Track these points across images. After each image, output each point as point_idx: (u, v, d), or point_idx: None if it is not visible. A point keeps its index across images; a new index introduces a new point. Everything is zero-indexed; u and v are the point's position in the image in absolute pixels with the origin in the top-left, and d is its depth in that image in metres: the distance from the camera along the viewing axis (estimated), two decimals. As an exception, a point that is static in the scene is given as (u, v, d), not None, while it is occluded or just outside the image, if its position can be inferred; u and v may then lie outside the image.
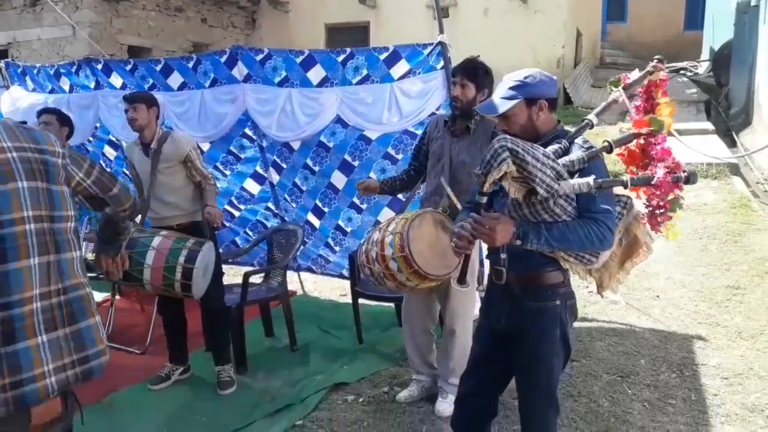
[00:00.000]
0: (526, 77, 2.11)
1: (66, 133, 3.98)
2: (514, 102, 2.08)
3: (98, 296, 4.64)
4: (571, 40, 13.65)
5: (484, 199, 1.99)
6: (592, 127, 2.17)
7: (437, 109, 3.90)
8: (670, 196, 2.14)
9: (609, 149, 2.10)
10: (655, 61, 2.25)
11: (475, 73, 3.08)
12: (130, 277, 3.30)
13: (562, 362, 2.22)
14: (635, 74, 2.25)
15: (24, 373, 1.57)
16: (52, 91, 5.46)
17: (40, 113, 4.03)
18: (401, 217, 2.98)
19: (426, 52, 3.85)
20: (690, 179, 2.08)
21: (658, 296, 4.83)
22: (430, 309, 3.38)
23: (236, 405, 3.45)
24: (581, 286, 5.02)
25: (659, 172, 2.07)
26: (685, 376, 3.58)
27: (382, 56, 3.97)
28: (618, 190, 2.14)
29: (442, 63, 3.82)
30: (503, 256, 2.09)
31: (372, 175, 4.34)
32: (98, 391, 3.39)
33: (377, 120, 4.09)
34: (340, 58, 4.08)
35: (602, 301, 4.76)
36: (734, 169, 7.98)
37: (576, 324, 4.27)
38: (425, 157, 3.31)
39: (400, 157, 4.21)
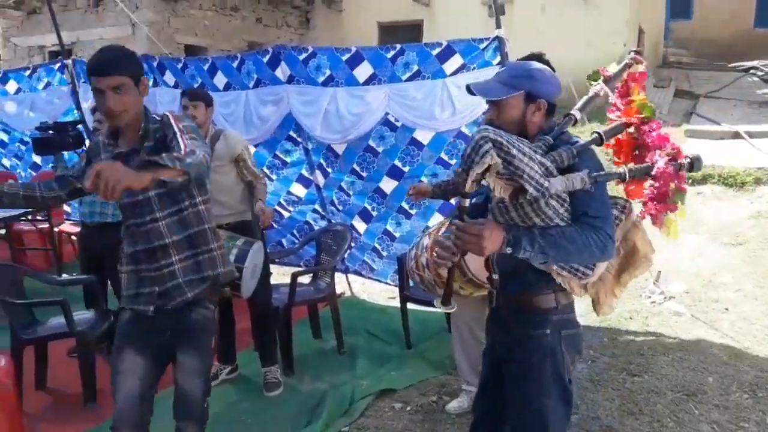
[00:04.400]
0: (533, 69, 1.89)
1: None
2: (513, 92, 1.85)
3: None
4: (632, 37, 13.17)
5: (467, 202, 1.73)
6: (575, 122, 1.97)
7: (493, 107, 3.75)
8: (671, 186, 1.96)
9: (599, 141, 1.89)
10: (632, 53, 2.10)
11: None
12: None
13: (561, 408, 1.89)
14: (613, 67, 2.11)
15: None
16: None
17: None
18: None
19: (482, 46, 3.71)
20: (694, 165, 1.89)
21: (727, 309, 4.53)
22: (481, 317, 3.23)
23: (282, 408, 3.40)
24: (642, 295, 4.80)
25: (659, 161, 1.87)
26: (759, 397, 3.32)
27: (435, 51, 3.85)
28: (614, 188, 1.98)
29: (498, 58, 3.67)
30: (494, 276, 1.85)
31: (423, 179, 4.22)
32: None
33: (428, 116, 3.98)
34: (390, 55, 3.98)
35: (665, 313, 4.52)
36: (810, 174, 7.49)
37: (637, 338, 4.10)
38: None
39: (453, 162, 4.08)
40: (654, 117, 1.98)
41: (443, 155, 4.09)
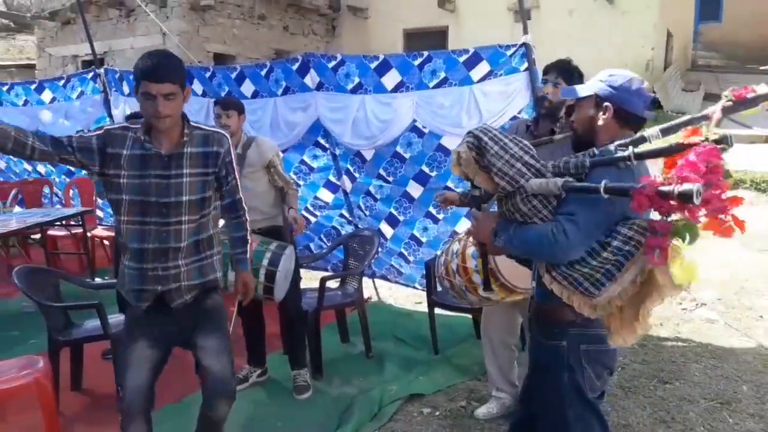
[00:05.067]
0: (611, 76, 1.93)
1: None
2: (586, 93, 1.95)
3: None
4: (660, 41, 13.02)
5: (477, 192, 1.95)
6: (650, 143, 1.80)
7: (519, 113, 3.75)
8: (675, 217, 1.61)
9: (627, 159, 1.74)
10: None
11: (571, 75, 2.91)
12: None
13: (590, 422, 1.89)
14: (761, 88, 1.70)
15: None
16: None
17: (128, 118, 4.16)
18: None
19: (509, 53, 3.72)
20: (684, 195, 1.52)
21: (761, 316, 4.45)
22: (511, 323, 3.23)
23: (311, 411, 3.42)
24: (673, 302, 4.73)
25: (645, 182, 1.60)
26: (795, 406, 3.26)
27: (462, 58, 3.86)
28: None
29: (525, 65, 3.68)
30: (533, 284, 1.96)
31: (450, 184, 4.23)
32: (178, 391, 3.44)
33: (455, 123, 3.99)
34: (417, 62, 4.01)
35: (697, 320, 4.45)
36: None
37: (668, 344, 4.04)
38: None
39: (480, 165, 4.08)
40: (708, 142, 1.61)
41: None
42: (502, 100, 3.77)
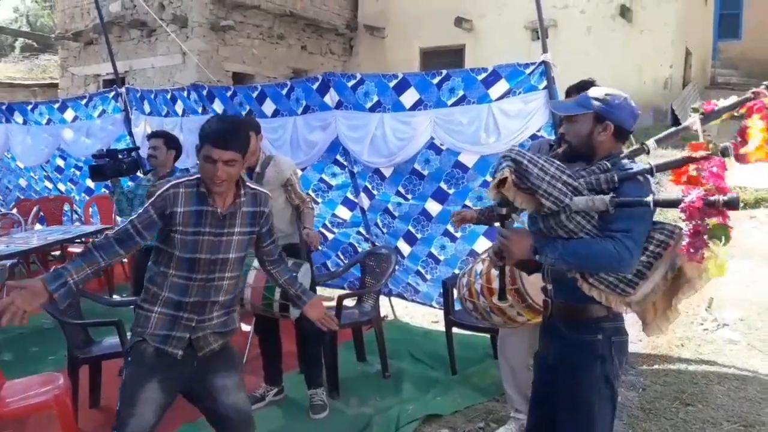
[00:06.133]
0: (607, 95, 2.05)
1: (173, 155, 4.13)
2: (584, 111, 2.04)
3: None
4: (679, 59, 12.96)
5: (503, 210, 1.96)
6: (648, 152, 2.05)
7: (538, 131, 3.74)
8: (712, 222, 1.82)
9: (650, 172, 1.94)
10: (763, 86, 1.98)
11: None
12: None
13: (609, 410, 2.05)
14: (722, 102, 2.02)
15: None
16: (167, 115, 5.77)
17: (149, 137, 4.21)
18: None
19: (528, 71, 3.72)
20: (731, 204, 1.77)
21: (785, 337, 4.37)
22: (531, 343, 3.19)
23: (328, 431, 3.40)
24: (695, 322, 4.66)
25: (692, 194, 1.83)
26: (822, 430, 3.18)
27: (480, 77, 3.87)
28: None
29: (544, 83, 3.68)
30: (549, 286, 2.04)
31: (468, 202, 4.22)
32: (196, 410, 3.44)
33: (474, 141, 3.99)
34: (436, 80, 4.03)
35: (719, 341, 4.37)
36: None
37: (690, 365, 3.97)
38: None
39: (499, 184, 4.07)
40: (717, 154, 1.88)
41: (488, 178, 4.09)
42: (521, 119, 3.77)
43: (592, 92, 2.08)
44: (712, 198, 1.78)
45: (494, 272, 2.74)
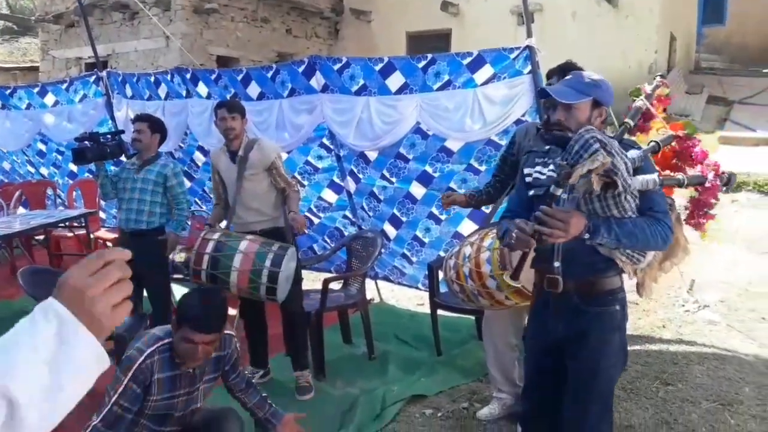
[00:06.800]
0: (599, 80, 2.12)
1: (158, 139, 4.10)
2: (586, 98, 2.08)
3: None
4: (664, 44, 13.01)
5: (560, 191, 1.93)
6: (630, 129, 2.26)
7: (523, 116, 3.76)
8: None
9: (657, 149, 2.14)
10: (659, 78, 2.51)
11: None
12: (216, 279, 3.36)
13: (619, 372, 2.22)
14: (648, 87, 2.56)
15: None
16: (149, 98, 5.71)
17: (134, 121, 4.17)
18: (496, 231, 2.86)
19: (512, 56, 3.73)
20: (730, 181, 2.12)
21: (764, 318, 4.45)
22: (515, 324, 3.24)
23: (314, 412, 3.42)
24: (676, 304, 4.74)
25: (710, 174, 2.13)
26: (797, 407, 3.25)
27: (465, 61, 3.87)
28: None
29: (529, 67, 3.69)
30: (556, 264, 2.07)
31: (452, 185, 4.24)
32: None
33: (459, 128, 4.00)
34: (421, 65, 4.02)
35: (699, 322, 4.45)
36: None
37: (671, 346, 4.04)
38: (512, 169, 3.16)
39: (483, 168, 4.09)
40: (695, 134, 2.26)
41: (473, 162, 4.11)
42: (505, 104, 3.79)
43: (586, 77, 2.12)
44: (721, 176, 2.04)
45: (483, 256, 2.77)
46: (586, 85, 2.08)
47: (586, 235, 1.94)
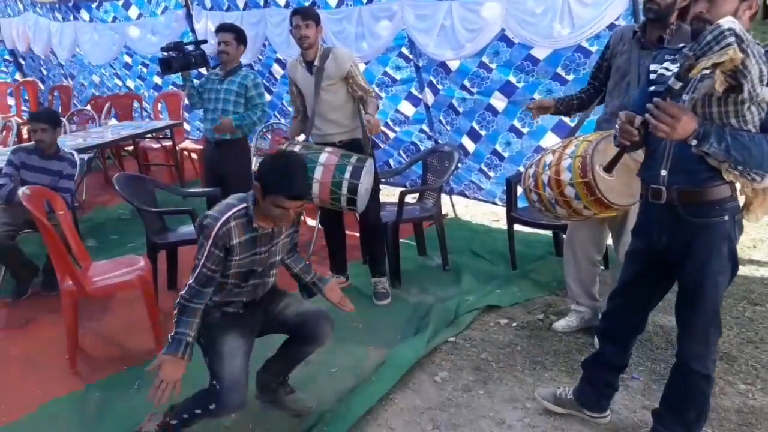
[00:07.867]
0: None
1: (242, 51, 4.11)
2: None
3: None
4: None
5: (679, 85, 1.76)
6: None
7: (616, 20, 3.52)
8: None
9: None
10: None
11: None
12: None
13: (728, 279, 2.09)
14: None
15: None
16: (228, 9, 5.72)
17: (217, 31, 4.14)
18: (582, 139, 2.74)
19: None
20: None
21: None
22: (598, 239, 3.16)
23: (391, 316, 3.55)
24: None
25: None
26: None
27: None
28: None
29: None
30: (663, 173, 1.99)
31: (536, 96, 4.08)
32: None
33: (546, 34, 3.80)
34: None
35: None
36: None
37: (760, 267, 3.87)
38: (606, 76, 2.98)
39: (570, 77, 3.90)
40: None
41: (560, 70, 3.92)
42: (597, 6, 3.54)
43: None
44: None
45: (564, 164, 2.69)
46: None
47: (693, 141, 1.79)
